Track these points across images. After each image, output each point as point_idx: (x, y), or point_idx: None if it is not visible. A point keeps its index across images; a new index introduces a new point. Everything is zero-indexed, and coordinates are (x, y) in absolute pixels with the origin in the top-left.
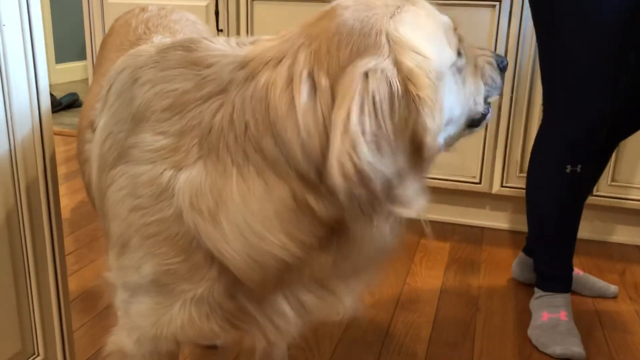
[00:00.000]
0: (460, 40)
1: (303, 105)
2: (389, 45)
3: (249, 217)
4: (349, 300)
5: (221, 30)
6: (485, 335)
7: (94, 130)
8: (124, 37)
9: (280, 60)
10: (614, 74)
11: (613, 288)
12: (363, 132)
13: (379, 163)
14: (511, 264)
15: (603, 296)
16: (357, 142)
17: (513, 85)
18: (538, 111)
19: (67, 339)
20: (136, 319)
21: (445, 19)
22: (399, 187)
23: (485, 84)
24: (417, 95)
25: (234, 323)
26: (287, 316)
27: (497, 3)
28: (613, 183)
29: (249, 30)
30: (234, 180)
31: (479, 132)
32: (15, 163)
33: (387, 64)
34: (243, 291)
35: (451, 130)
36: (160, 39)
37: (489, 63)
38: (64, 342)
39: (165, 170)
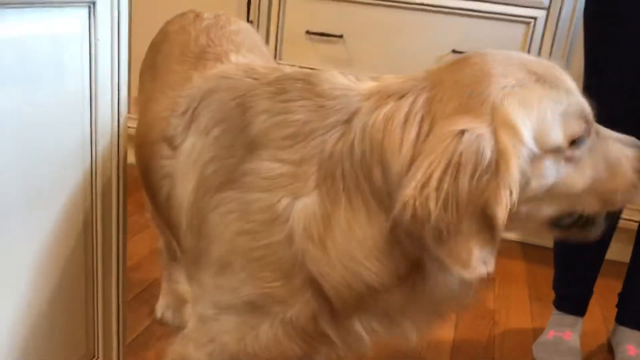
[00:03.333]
0: (587, 129)
1: (407, 145)
2: (491, 116)
3: (352, 243)
4: (413, 337)
5: (251, 22)
6: (506, 349)
7: (173, 148)
8: (185, 48)
9: (403, 96)
10: None
11: None
12: (437, 189)
13: (439, 215)
14: (524, 276)
15: None
16: (429, 195)
17: None
18: None
19: (122, 342)
20: (218, 334)
21: (575, 101)
22: (452, 242)
23: (615, 189)
24: (501, 171)
25: (312, 343)
26: (361, 338)
27: (533, 20)
28: None
29: (280, 24)
30: (342, 207)
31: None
32: (94, 169)
33: (484, 131)
34: (325, 316)
35: (545, 213)
36: (239, 59)
37: (634, 168)
38: (119, 344)
39: (282, 198)
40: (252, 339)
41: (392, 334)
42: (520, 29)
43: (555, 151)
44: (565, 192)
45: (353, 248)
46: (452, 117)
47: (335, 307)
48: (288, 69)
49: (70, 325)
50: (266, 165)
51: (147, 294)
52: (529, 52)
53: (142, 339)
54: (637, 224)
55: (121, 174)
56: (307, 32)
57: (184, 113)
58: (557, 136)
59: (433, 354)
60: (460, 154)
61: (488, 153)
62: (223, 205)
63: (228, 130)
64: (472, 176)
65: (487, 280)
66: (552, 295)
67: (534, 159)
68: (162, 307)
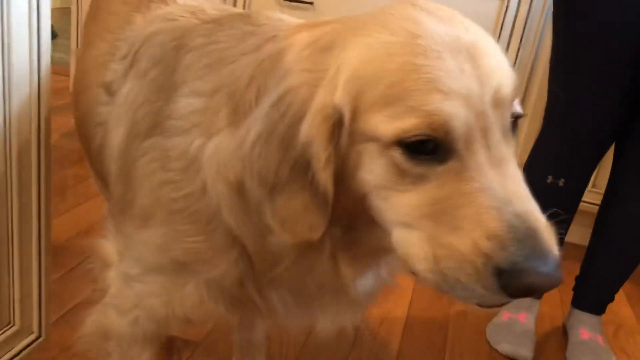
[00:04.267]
0: (441, 139)
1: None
2: (337, 64)
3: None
4: (323, 324)
5: None
6: (459, 330)
7: (111, 93)
8: None
9: (317, 26)
10: (619, 94)
11: None
12: (259, 136)
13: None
14: None
15: None
16: (254, 141)
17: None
18: (532, 109)
19: (44, 309)
20: (144, 297)
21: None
22: (276, 200)
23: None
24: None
25: (238, 307)
26: (277, 310)
27: None
28: None
29: None
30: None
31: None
32: (8, 126)
33: (316, 76)
34: (250, 280)
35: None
36: (187, 0)
37: (485, 257)
38: (40, 312)
39: (195, 139)
40: (179, 301)
41: (305, 316)
42: (494, 3)
43: (378, 142)
44: (389, 215)
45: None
46: (311, 56)
47: (255, 268)
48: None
49: None
50: (183, 101)
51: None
52: (501, 28)
53: (81, 309)
54: (597, 208)
55: (42, 133)
56: None
57: (124, 57)
58: (382, 122)
59: (385, 330)
60: (285, 97)
61: (302, 103)
62: (148, 154)
63: (162, 72)
64: (289, 125)
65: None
66: None
67: (351, 134)
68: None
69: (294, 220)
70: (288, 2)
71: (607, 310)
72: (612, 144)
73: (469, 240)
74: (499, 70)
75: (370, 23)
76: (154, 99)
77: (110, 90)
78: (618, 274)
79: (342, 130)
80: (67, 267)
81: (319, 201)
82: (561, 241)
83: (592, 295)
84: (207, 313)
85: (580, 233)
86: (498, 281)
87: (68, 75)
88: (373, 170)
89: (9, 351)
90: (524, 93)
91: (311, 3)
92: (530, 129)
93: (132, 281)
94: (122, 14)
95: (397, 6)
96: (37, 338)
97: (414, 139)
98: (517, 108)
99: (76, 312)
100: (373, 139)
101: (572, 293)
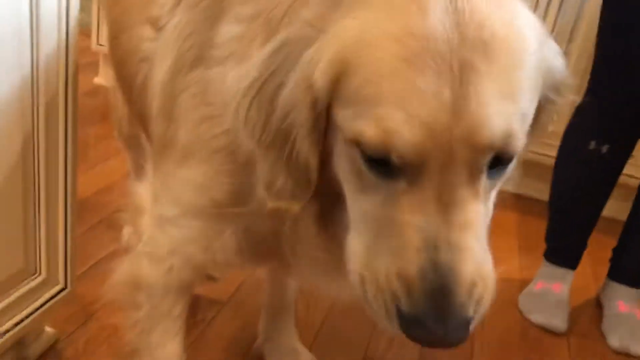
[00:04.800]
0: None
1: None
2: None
3: None
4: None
5: None
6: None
7: (158, 28)
8: None
9: None
10: None
11: None
12: (259, 90)
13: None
14: (515, 227)
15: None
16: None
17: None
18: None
19: (70, 260)
20: (181, 244)
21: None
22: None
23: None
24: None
25: (272, 258)
26: (306, 267)
27: None
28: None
29: None
30: None
31: None
32: (36, 77)
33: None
34: (283, 231)
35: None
36: None
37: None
38: (66, 262)
39: (231, 70)
40: (219, 247)
41: (326, 278)
42: None
43: (340, 130)
44: (349, 209)
45: None
46: (321, 6)
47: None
48: None
49: (5, 238)
50: (225, 28)
51: (115, 220)
52: None
53: (104, 264)
54: (637, 181)
55: (70, 86)
56: None
57: None
58: (347, 118)
59: None
60: (282, 47)
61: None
62: (191, 87)
63: (210, 3)
64: (279, 81)
65: None
66: (542, 247)
67: (327, 116)
68: (129, 232)
69: (277, 186)
70: None
71: None
72: None
73: (387, 272)
74: (491, 105)
75: None
76: (202, 28)
77: (157, 25)
78: None
79: (319, 105)
80: (90, 223)
81: (301, 172)
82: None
83: (630, 267)
84: (245, 260)
85: (616, 207)
86: (398, 320)
87: (89, 35)
88: (341, 160)
89: (35, 301)
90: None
91: None
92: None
93: (168, 225)
94: None
95: None
96: (62, 289)
97: (367, 147)
98: (513, 143)
99: (100, 267)
100: (340, 129)
101: (604, 266)
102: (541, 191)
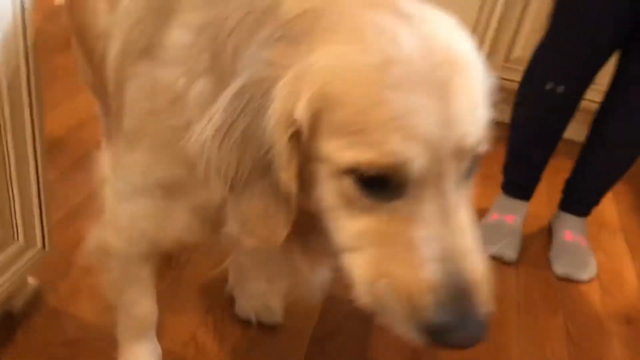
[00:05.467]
0: (395, 175)
1: None
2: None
3: None
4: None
5: None
6: None
7: (111, 4)
8: None
9: None
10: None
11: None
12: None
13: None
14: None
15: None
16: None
17: None
18: (533, 19)
19: (46, 223)
20: (136, 219)
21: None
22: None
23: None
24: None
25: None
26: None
27: None
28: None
29: None
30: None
31: (473, 14)
32: None
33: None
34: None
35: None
36: None
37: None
38: (43, 225)
39: (181, 76)
40: (169, 225)
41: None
42: None
43: (331, 166)
44: (339, 237)
45: None
46: (279, 44)
47: None
48: None
49: None
50: (175, 32)
51: (88, 160)
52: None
53: (81, 209)
54: (596, 106)
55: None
56: None
57: None
58: (338, 149)
59: None
60: (246, 89)
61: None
62: (138, 78)
63: None
64: (249, 121)
65: None
66: (500, 176)
67: (308, 150)
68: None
69: (255, 222)
70: None
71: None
72: (613, 53)
73: (406, 284)
74: (469, 115)
75: (344, 26)
76: (150, 20)
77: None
78: (607, 180)
79: (301, 140)
80: (63, 166)
81: (282, 204)
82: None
83: (579, 198)
84: (196, 236)
85: (574, 129)
86: (426, 329)
87: None
88: (325, 191)
89: (15, 264)
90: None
91: None
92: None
93: (123, 200)
94: None
95: (377, 5)
96: (41, 249)
97: (367, 172)
98: (482, 145)
99: (76, 212)
100: (327, 161)
101: (559, 193)
102: (504, 112)
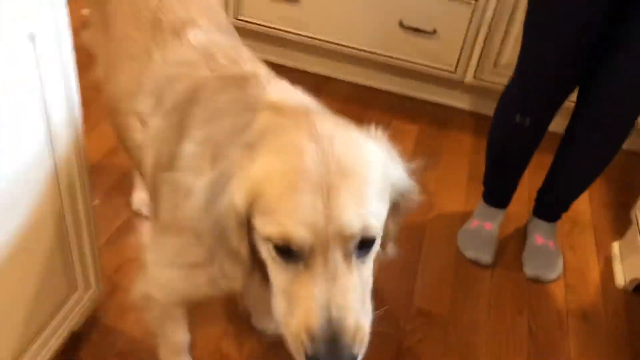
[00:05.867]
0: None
1: None
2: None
3: None
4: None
5: None
6: (435, 233)
7: (143, 123)
8: (137, 11)
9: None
10: (576, 40)
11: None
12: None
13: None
14: (468, 151)
15: (537, 278)
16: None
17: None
18: (509, 59)
19: (100, 268)
20: (171, 282)
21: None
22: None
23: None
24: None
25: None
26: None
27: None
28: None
29: None
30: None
31: (464, 22)
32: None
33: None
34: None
35: None
36: (197, 35)
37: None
38: (96, 271)
39: (191, 178)
40: (199, 287)
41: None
42: (464, 8)
43: (258, 232)
44: (272, 281)
45: None
46: (242, 147)
47: None
48: (244, 57)
49: (54, 281)
50: (187, 146)
51: (125, 182)
52: (469, 27)
53: (122, 233)
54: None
55: (84, 172)
56: None
57: (151, 93)
58: (261, 224)
59: None
60: (216, 178)
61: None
62: (167, 183)
63: (179, 119)
64: (213, 204)
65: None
66: None
67: (249, 225)
68: (137, 202)
69: (224, 269)
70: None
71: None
72: (574, 89)
73: (297, 327)
74: (347, 211)
75: (276, 142)
76: (172, 140)
77: (142, 120)
78: (574, 191)
79: (242, 218)
80: (103, 190)
81: (240, 263)
82: None
83: (549, 206)
84: (219, 295)
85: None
86: (307, 358)
87: None
88: (262, 251)
89: (77, 308)
90: (501, 43)
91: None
92: (516, 46)
93: (161, 268)
94: (139, 41)
95: (301, 127)
96: (96, 289)
97: (276, 242)
98: (370, 232)
99: (118, 236)
100: (258, 232)
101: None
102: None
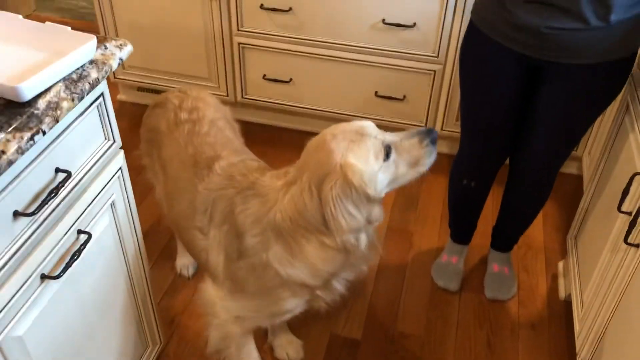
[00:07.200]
0: (388, 150)
1: (308, 202)
2: (341, 169)
3: (312, 258)
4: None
5: None
6: (415, 269)
7: (204, 234)
8: (181, 155)
9: (294, 183)
10: (495, 119)
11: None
12: (343, 216)
13: (352, 222)
14: (443, 192)
15: (495, 299)
16: (339, 219)
17: (457, 46)
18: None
19: (162, 324)
20: (246, 323)
21: (376, 142)
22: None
23: (419, 157)
24: (358, 188)
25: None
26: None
27: (433, 72)
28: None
29: (238, 2)
30: (305, 244)
31: (427, 89)
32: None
33: (340, 179)
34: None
35: (397, 184)
36: (222, 165)
37: (420, 143)
38: (158, 328)
39: (263, 253)
40: (281, 316)
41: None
42: (426, 78)
43: (380, 168)
44: (399, 175)
45: (314, 260)
46: (324, 180)
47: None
48: (250, 168)
49: (127, 336)
50: (249, 240)
51: (169, 249)
52: (432, 90)
53: (171, 293)
54: None
55: (149, 281)
56: (261, 7)
57: (204, 212)
58: (375, 162)
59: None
60: (336, 195)
61: (348, 187)
62: (242, 268)
63: (230, 226)
64: (350, 199)
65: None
66: None
67: (374, 174)
68: (179, 265)
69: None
70: (272, 10)
71: (523, 234)
72: (506, 158)
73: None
74: None
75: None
76: (234, 241)
77: (203, 232)
78: (519, 230)
79: None
80: (154, 258)
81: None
82: None
83: (502, 240)
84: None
85: None
86: None
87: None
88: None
89: None
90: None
91: (290, 9)
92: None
93: (236, 316)
94: (186, 179)
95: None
96: (160, 345)
97: None
98: None
99: (172, 292)
100: None
101: None
102: None
